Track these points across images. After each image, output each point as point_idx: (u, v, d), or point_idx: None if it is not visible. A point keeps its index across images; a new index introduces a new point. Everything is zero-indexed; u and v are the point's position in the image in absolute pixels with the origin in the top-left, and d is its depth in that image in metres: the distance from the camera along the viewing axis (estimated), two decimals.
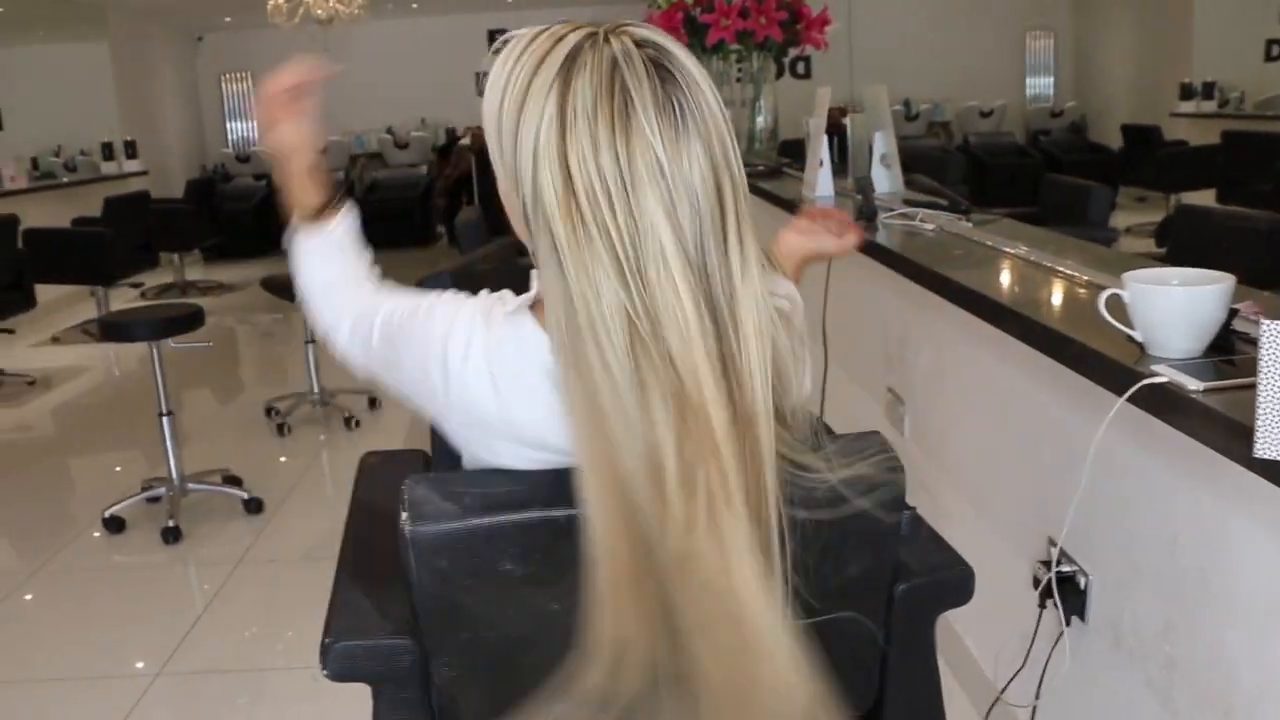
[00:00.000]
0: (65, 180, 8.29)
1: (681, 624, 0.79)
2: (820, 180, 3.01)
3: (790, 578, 0.83)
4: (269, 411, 4.45)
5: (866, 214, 2.47)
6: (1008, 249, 1.99)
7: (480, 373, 0.91)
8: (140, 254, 6.96)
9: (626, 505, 0.80)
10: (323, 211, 1.13)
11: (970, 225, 2.29)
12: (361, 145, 10.88)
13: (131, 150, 8.84)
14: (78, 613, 2.86)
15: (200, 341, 3.83)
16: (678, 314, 0.80)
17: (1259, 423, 0.94)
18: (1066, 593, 1.54)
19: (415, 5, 10.65)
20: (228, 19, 10.64)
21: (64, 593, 2.98)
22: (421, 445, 1.40)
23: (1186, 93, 8.34)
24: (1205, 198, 6.58)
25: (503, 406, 0.91)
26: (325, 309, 1.11)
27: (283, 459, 4.08)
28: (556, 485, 0.91)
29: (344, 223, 1.14)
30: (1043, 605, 1.59)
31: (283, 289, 4.40)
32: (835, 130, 3.16)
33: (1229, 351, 1.18)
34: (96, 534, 3.32)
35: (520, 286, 0.94)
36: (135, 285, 7.69)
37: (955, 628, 2.10)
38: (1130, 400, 1.16)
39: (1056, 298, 1.66)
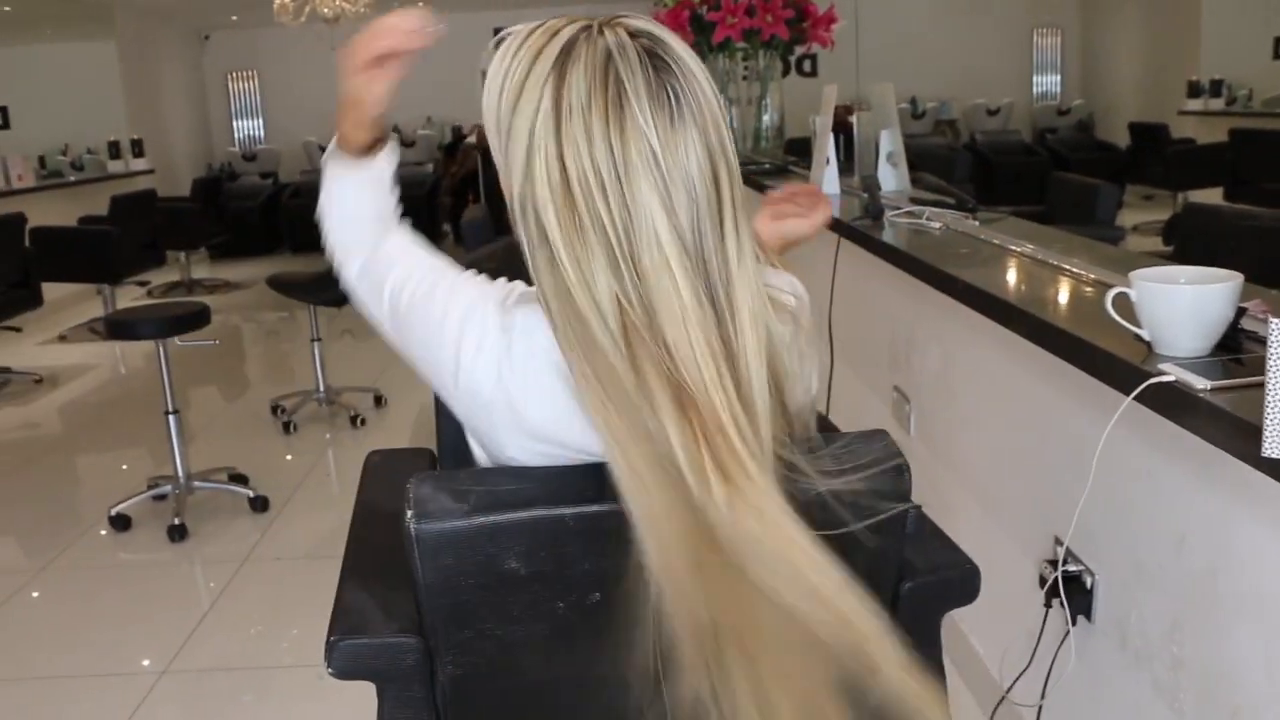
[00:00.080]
0: (72, 179, 8.31)
1: (746, 594, 0.79)
2: (826, 178, 3.01)
3: None
4: (275, 410, 4.45)
5: (873, 212, 2.47)
6: (1014, 247, 1.99)
7: (490, 363, 0.91)
8: (147, 252, 6.98)
9: (659, 492, 0.80)
10: (369, 150, 1.11)
11: (977, 224, 2.29)
12: None
13: (138, 149, 8.86)
14: (84, 610, 2.86)
15: (206, 340, 3.84)
16: (674, 301, 0.80)
17: (1267, 422, 0.93)
18: (1073, 592, 1.54)
19: (421, 3, 10.67)
20: (234, 17, 10.67)
21: (70, 590, 2.99)
22: (427, 444, 1.40)
23: (1194, 90, 8.31)
24: (1213, 196, 6.55)
25: (509, 396, 0.91)
26: (343, 238, 1.11)
27: (288, 457, 4.08)
28: (562, 483, 0.91)
29: (384, 159, 1.13)
30: (1049, 604, 1.59)
31: (289, 287, 4.41)
32: (841, 128, 3.16)
33: (1237, 350, 1.17)
34: (103, 532, 3.33)
35: (527, 284, 0.94)
36: (142, 284, 7.73)
37: (961, 627, 2.10)
38: (1137, 399, 1.16)
39: (1063, 296, 1.66)
